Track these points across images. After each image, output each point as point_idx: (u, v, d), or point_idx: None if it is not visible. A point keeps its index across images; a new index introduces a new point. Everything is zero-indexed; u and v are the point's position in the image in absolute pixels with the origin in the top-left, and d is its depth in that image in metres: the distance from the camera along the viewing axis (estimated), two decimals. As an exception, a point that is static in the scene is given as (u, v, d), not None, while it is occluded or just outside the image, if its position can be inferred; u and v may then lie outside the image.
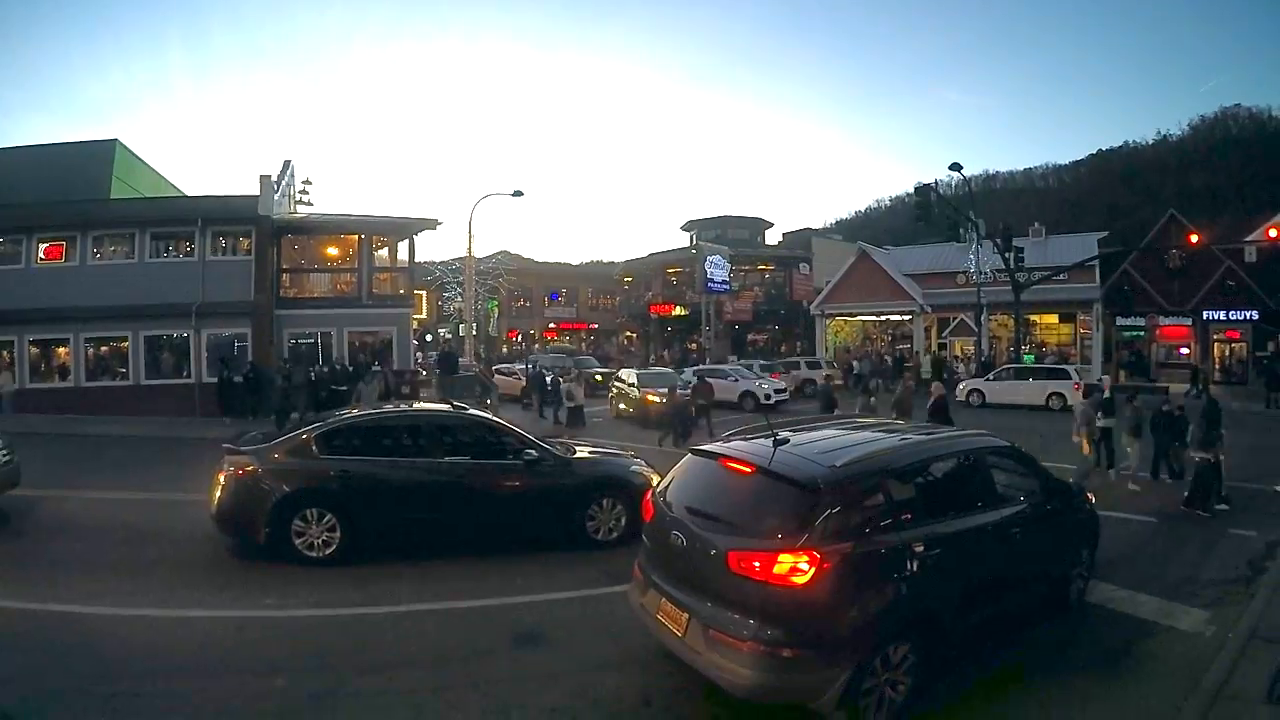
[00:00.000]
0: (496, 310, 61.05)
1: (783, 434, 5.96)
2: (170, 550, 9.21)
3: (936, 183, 32.55)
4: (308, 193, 33.04)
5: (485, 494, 9.40)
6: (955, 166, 32.42)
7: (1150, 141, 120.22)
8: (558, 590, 8.09)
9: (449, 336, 55.20)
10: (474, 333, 40.45)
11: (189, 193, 36.29)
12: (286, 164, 30.92)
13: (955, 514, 5.99)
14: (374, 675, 5.93)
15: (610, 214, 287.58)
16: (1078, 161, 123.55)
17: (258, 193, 26.11)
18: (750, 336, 57.27)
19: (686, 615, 5.40)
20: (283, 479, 8.83)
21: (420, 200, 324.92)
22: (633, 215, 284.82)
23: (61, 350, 25.43)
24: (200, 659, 6.19)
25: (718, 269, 50.26)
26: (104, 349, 25.79)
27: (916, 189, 31.33)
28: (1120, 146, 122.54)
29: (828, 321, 45.82)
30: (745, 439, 6.33)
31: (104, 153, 31.94)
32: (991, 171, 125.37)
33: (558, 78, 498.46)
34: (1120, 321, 40.41)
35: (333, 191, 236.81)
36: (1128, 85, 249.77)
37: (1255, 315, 37.91)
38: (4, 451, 11.16)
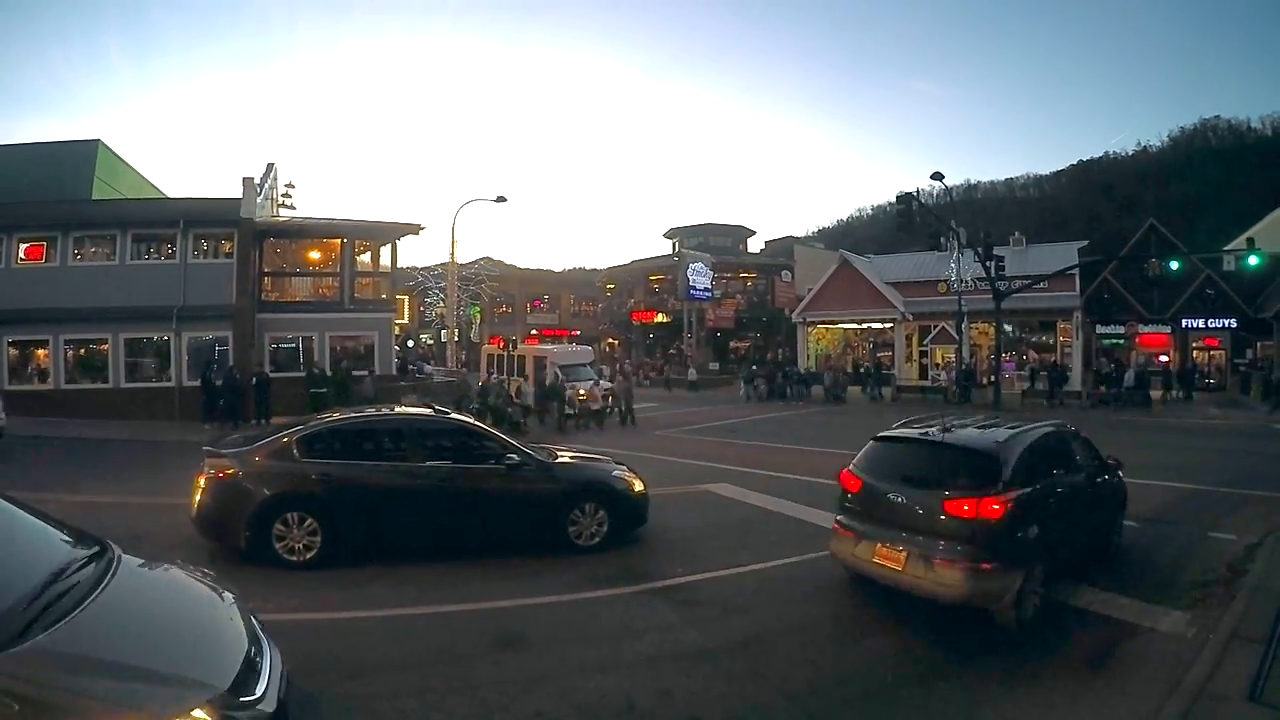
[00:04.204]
0: (479, 316, 60.95)
1: (939, 423, 8.26)
2: (149, 555, 9.09)
3: (918, 192, 32.74)
4: (290, 196, 32.98)
5: (467, 498, 9.36)
6: (937, 176, 32.50)
7: (1130, 152, 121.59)
8: (541, 595, 8.06)
9: (429, 342, 55.04)
10: (455, 338, 40.38)
11: (171, 195, 36.12)
12: (269, 167, 30.85)
13: (1060, 474, 8.22)
14: (357, 680, 5.89)
15: (593, 221, 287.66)
16: (1058, 172, 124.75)
17: (240, 195, 25.96)
18: (732, 344, 57.47)
19: (905, 552, 7.17)
20: (264, 482, 8.78)
21: (403, 205, 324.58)
22: (615, 222, 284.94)
23: (40, 352, 25.22)
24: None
25: (700, 276, 50.46)
26: (84, 351, 25.57)
27: (898, 198, 31.39)
28: (1101, 157, 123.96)
29: (809, 329, 45.95)
30: (914, 428, 8.41)
31: (86, 153, 31.81)
32: (973, 181, 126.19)
33: (541, 84, 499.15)
34: (1100, 329, 40.71)
35: (315, 195, 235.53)
36: (1109, 97, 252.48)
37: (1233, 323, 38.35)
38: None
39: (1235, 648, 6.41)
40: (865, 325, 45.29)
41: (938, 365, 40.23)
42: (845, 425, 25.41)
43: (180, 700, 3.61)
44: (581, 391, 26.85)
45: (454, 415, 11.30)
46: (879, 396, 36.28)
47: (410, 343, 56.13)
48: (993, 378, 33.79)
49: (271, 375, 24.76)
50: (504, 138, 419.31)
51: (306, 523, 8.72)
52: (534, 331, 66.93)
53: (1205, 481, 14.46)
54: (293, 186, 33.19)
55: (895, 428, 8.56)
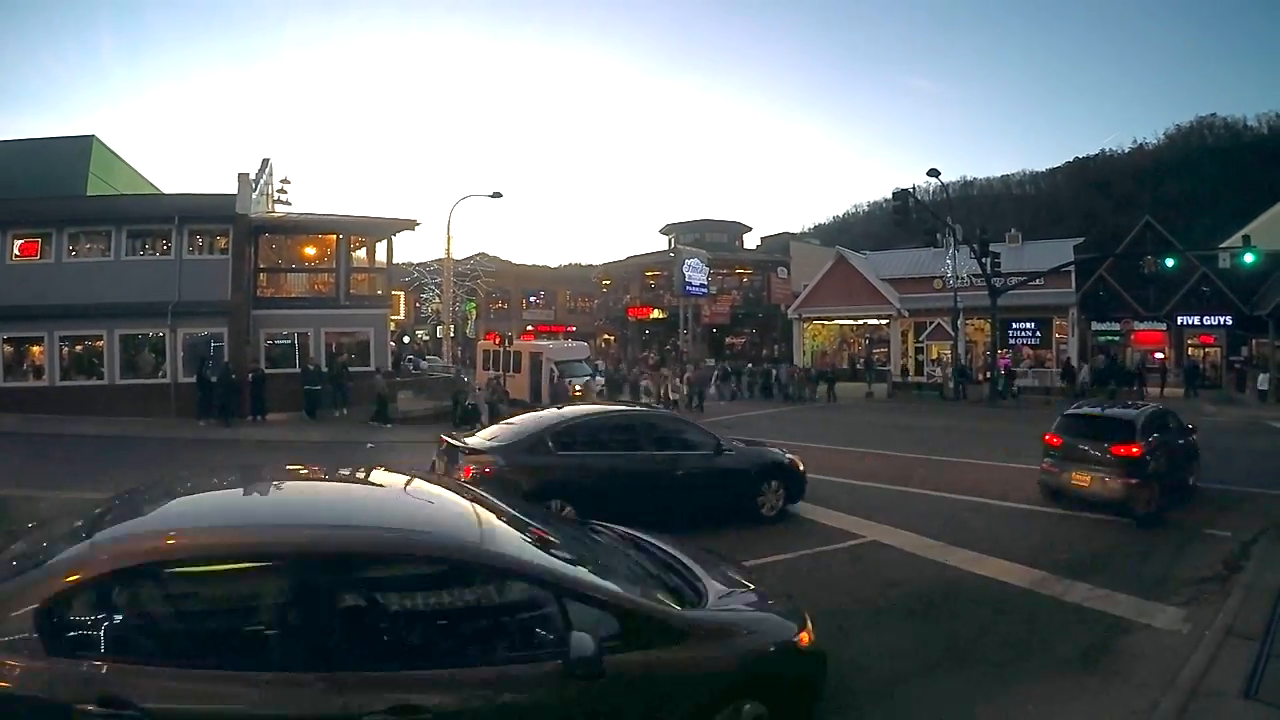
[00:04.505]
0: (474, 312, 60.90)
1: (1099, 405, 15.00)
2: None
3: (915, 188, 32.66)
4: (286, 191, 32.69)
5: (690, 480, 10.85)
6: (933, 172, 32.54)
7: (1127, 150, 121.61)
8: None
9: (425, 338, 54.87)
10: (451, 334, 40.33)
11: (166, 190, 35.97)
12: (265, 162, 30.66)
13: (1163, 434, 12.76)
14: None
15: (589, 217, 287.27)
16: (1055, 169, 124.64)
17: (235, 191, 25.81)
18: (728, 339, 57.50)
19: (1090, 476, 11.88)
20: (527, 474, 9.85)
21: (399, 201, 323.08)
22: (611, 218, 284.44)
23: (36, 349, 25.04)
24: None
25: (696, 272, 50.48)
26: (79, 348, 25.41)
27: (895, 194, 31.41)
28: (1097, 154, 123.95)
29: (805, 325, 45.94)
30: (1085, 409, 13.78)
31: (81, 149, 31.67)
32: (969, 178, 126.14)
33: (537, 79, 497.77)
34: (1096, 326, 40.71)
35: (311, 191, 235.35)
36: (1105, 94, 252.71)
37: (1229, 320, 38.32)
38: None
39: (1231, 644, 6.45)
40: (861, 321, 45.32)
41: (934, 361, 40.25)
42: (832, 422, 25.53)
43: (796, 612, 5.07)
44: (577, 387, 27.02)
45: (663, 410, 14.04)
46: (871, 394, 36.37)
47: (406, 338, 56.06)
48: (989, 374, 33.86)
49: (267, 371, 24.70)
50: (500, 133, 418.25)
51: (563, 508, 9.46)
52: (530, 327, 66.88)
53: (1201, 478, 14.48)
54: (288, 182, 32.95)
55: (1075, 407, 14.08)
